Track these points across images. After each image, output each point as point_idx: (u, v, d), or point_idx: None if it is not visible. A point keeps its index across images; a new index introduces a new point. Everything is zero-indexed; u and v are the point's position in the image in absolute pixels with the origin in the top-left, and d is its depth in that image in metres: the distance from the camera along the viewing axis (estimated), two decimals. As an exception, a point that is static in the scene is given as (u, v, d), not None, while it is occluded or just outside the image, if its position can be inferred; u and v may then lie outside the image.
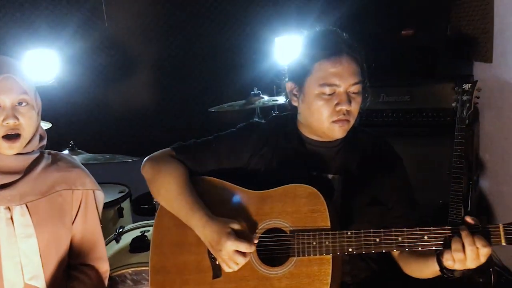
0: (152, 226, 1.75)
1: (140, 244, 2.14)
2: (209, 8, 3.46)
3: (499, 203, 3.13)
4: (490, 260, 1.32)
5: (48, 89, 2.98)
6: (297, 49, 1.58)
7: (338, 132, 1.52)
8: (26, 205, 1.49)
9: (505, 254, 2.92)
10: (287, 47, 3.18)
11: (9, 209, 1.47)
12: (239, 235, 1.44)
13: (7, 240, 1.45)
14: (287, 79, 1.60)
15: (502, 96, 2.96)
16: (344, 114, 1.49)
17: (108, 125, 3.42)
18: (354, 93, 1.50)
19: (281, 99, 2.74)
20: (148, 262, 1.62)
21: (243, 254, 1.42)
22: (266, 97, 2.79)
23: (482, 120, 3.21)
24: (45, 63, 2.96)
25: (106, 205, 2.74)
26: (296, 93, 1.57)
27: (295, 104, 1.60)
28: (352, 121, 1.53)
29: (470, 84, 2.58)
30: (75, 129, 3.36)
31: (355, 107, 1.51)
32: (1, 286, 1.46)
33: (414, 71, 3.20)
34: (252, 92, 2.79)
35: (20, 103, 1.46)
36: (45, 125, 2.64)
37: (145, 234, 2.21)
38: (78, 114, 3.35)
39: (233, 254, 1.41)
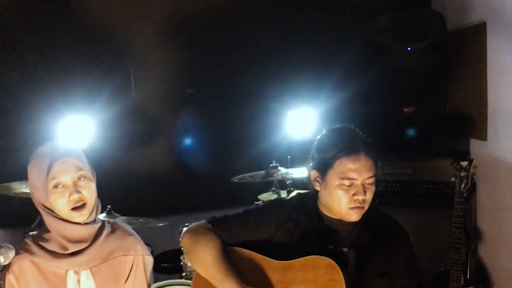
0: (174, 285, 1.93)
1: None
2: (227, 83, 3.74)
3: (494, 274, 3.27)
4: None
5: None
6: (320, 142, 1.84)
7: (354, 217, 1.76)
8: (90, 269, 1.71)
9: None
10: (299, 120, 3.41)
11: (77, 273, 1.70)
12: None
13: None
14: (311, 168, 1.85)
15: (496, 172, 3.17)
16: (360, 203, 1.73)
17: (133, 189, 3.56)
18: (369, 184, 1.75)
19: (295, 173, 2.97)
20: None
21: None
22: (283, 170, 2.99)
23: (478, 193, 3.40)
24: (79, 129, 3.15)
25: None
26: (319, 179, 1.82)
27: (317, 188, 1.84)
28: (367, 207, 1.77)
29: (467, 162, 2.83)
30: (105, 192, 3.51)
31: (369, 196, 1.75)
32: None
33: (415, 145, 3.44)
34: (271, 165, 2.99)
35: (79, 179, 1.69)
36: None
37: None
38: (108, 178, 3.50)
39: None
